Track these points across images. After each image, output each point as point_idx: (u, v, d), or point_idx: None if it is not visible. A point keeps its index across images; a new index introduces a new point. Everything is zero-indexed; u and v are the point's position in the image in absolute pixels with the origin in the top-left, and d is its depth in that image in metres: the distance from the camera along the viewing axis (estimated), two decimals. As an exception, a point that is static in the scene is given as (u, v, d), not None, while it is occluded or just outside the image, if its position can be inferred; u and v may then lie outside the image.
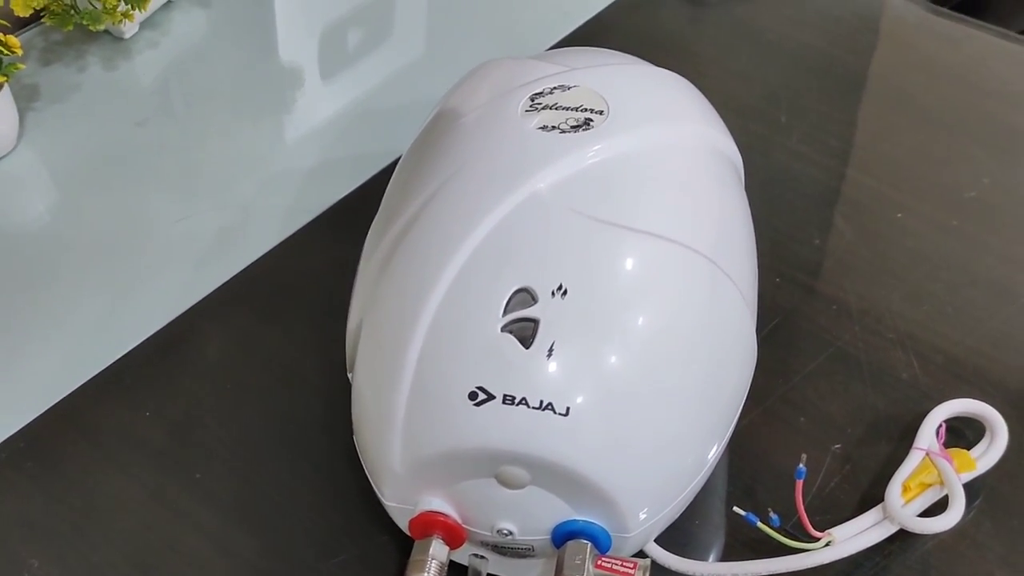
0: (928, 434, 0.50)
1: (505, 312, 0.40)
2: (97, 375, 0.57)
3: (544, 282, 0.40)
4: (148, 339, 0.58)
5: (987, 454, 0.50)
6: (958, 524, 0.47)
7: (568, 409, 0.39)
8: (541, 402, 0.39)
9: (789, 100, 0.71)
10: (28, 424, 0.55)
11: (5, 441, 0.54)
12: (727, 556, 0.49)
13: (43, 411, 0.55)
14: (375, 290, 0.45)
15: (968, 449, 0.51)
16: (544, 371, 0.39)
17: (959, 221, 0.63)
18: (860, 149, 0.68)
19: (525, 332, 0.40)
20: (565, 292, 0.40)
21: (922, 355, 0.56)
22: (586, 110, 0.45)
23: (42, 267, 0.62)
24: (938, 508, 0.48)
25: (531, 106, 0.46)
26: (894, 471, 0.49)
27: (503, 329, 0.40)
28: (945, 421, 0.51)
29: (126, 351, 0.58)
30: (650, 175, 0.44)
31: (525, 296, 0.40)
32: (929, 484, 0.48)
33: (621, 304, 0.41)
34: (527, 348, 0.39)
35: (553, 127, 0.45)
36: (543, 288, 0.40)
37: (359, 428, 0.44)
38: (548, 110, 0.46)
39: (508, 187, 0.42)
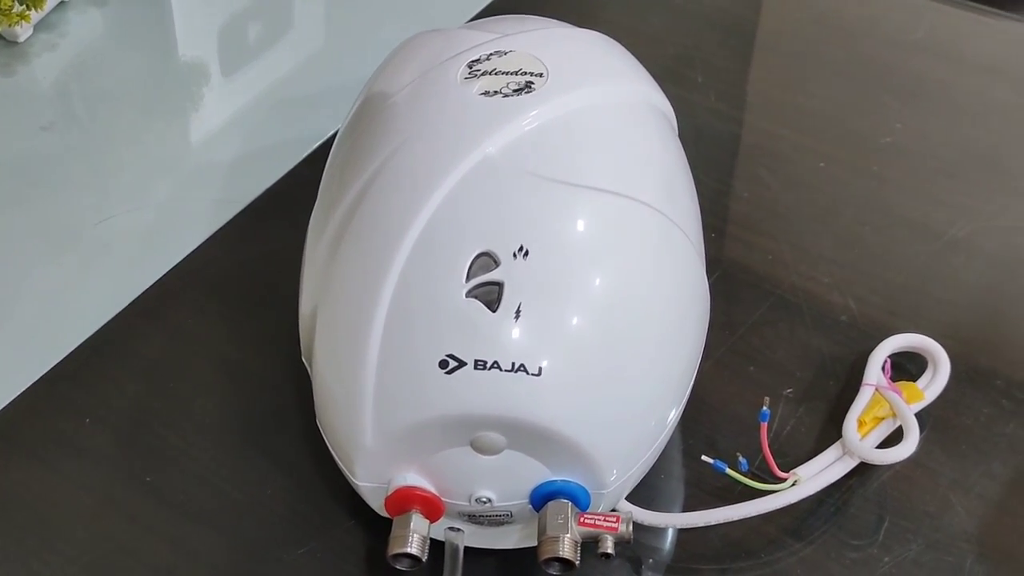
0: (875, 370, 0.51)
1: (468, 278, 0.40)
2: (30, 386, 0.54)
3: (505, 245, 0.40)
4: (81, 344, 0.56)
5: (932, 384, 0.51)
6: (915, 452, 0.48)
7: (540, 369, 0.39)
8: (513, 364, 0.39)
9: (702, 61, 0.73)
10: (-40, 442, 0.52)
11: (-62, 461, 0.51)
12: (694, 507, 0.49)
13: (-26, 427, 0.53)
14: (328, 272, 0.44)
15: (913, 381, 0.52)
16: (513, 333, 0.39)
17: (878, 166, 0.65)
18: (776, 104, 0.70)
19: (490, 296, 0.39)
20: (527, 253, 0.40)
21: (858, 297, 0.58)
22: (525, 73, 0.45)
23: (-43, 281, 0.60)
24: (893, 439, 0.49)
25: (470, 73, 0.46)
26: (846, 409, 0.51)
27: (468, 295, 0.39)
28: (889, 357, 0.53)
29: (59, 359, 0.56)
30: (596, 133, 0.44)
31: (487, 260, 0.40)
32: (882, 417, 0.50)
33: (583, 261, 0.41)
34: (494, 312, 0.39)
35: (495, 92, 0.45)
36: (504, 251, 0.40)
37: (325, 411, 0.43)
38: (488, 76, 0.45)
39: (458, 153, 0.42)
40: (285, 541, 0.48)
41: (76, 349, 0.56)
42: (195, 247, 0.61)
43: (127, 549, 0.48)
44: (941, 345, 0.53)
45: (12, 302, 0.58)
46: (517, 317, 0.39)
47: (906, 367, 0.54)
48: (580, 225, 0.41)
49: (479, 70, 0.46)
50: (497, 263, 0.40)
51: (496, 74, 0.45)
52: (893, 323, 0.56)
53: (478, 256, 0.40)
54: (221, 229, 0.62)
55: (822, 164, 0.65)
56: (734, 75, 0.72)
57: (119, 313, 0.58)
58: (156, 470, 0.51)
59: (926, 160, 0.66)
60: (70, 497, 0.50)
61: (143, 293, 0.59)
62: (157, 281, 0.59)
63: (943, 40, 0.75)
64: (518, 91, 0.44)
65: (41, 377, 0.55)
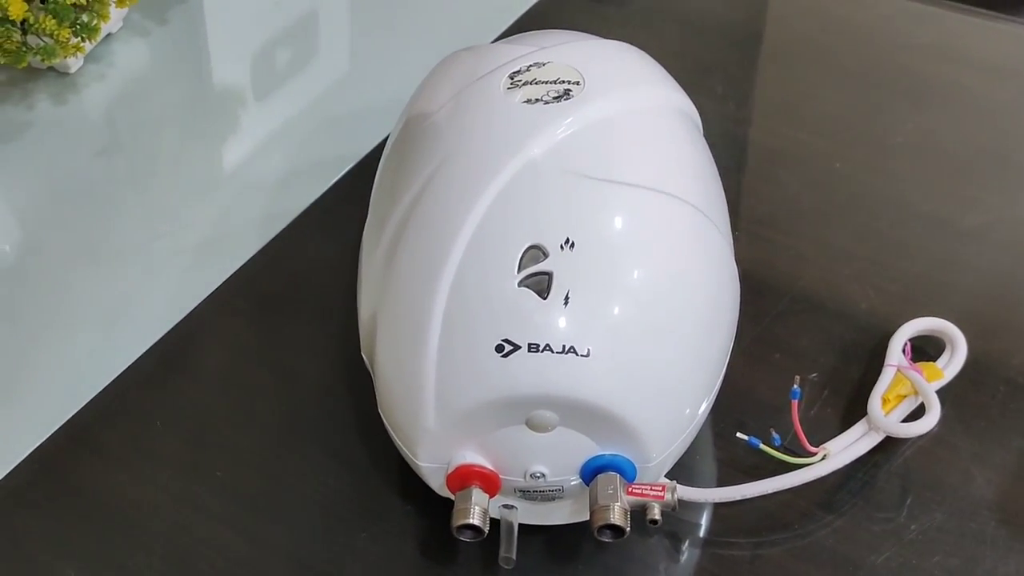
0: (896, 351, 0.55)
1: (519, 269, 0.43)
2: (99, 393, 0.58)
3: (552, 238, 0.43)
4: (145, 354, 0.60)
5: (951, 364, 0.55)
6: (936, 426, 0.51)
7: (588, 351, 0.42)
8: (564, 346, 0.42)
9: (722, 72, 0.76)
10: (38, 446, 0.56)
11: (19, 464, 0.55)
12: (728, 484, 0.52)
13: (51, 433, 0.56)
14: (386, 276, 0.47)
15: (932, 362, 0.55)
16: (563, 318, 0.42)
17: (891, 164, 0.69)
18: (792, 109, 0.73)
19: (541, 285, 0.43)
20: (573, 245, 0.43)
21: (877, 286, 0.61)
22: (564, 82, 0.49)
23: (18, 302, 0.63)
24: (915, 415, 0.52)
25: (512, 84, 0.49)
26: (869, 391, 0.54)
27: (520, 284, 0.43)
28: (909, 340, 0.56)
29: (124, 368, 0.59)
30: (631, 134, 0.48)
31: (536, 252, 0.43)
32: (905, 395, 0.53)
33: (625, 251, 0.44)
34: (544, 299, 0.43)
35: (537, 100, 0.48)
36: (552, 243, 0.43)
37: (387, 401, 0.46)
38: (529, 85, 0.49)
39: (505, 157, 0.46)
40: (347, 528, 0.51)
41: (139, 359, 0.60)
42: (244, 261, 0.65)
43: (203, 541, 0.51)
44: (959, 328, 0.56)
45: (75, 317, 0.62)
46: (566, 304, 0.42)
47: (925, 350, 0.57)
48: (620, 218, 0.45)
49: (520, 80, 0.49)
50: (546, 255, 0.43)
51: (536, 83, 0.49)
52: (911, 309, 0.59)
53: (528, 249, 0.43)
54: (270, 243, 0.66)
55: (838, 164, 0.69)
56: (751, 84, 0.75)
57: (177, 324, 0.61)
58: (225, 468, 0.54)
59: (937, 157, 0.69)
60: (147, 495, 0.53)
61: (198, 306, 0.62)
62: (211, 294, 0.63)
63: (949, 44, 0.78)
64: (558, 98, 0.48)
65: (109, 384, 0.58)
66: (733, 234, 0.64)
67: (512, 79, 0.50)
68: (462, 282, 0.44)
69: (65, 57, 0.71)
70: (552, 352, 0.42)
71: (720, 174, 0.55)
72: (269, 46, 0.82)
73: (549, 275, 0.43)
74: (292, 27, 0.83)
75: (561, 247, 0.43)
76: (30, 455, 0.55)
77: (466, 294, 0.43)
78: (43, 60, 0.69)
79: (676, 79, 0.57)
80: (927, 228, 0.64)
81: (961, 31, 0.80)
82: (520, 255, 0.43)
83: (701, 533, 0.51)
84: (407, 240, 0.46)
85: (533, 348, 0.42)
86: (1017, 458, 0.53)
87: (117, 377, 0.59)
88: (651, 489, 0.44)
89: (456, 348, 0.43)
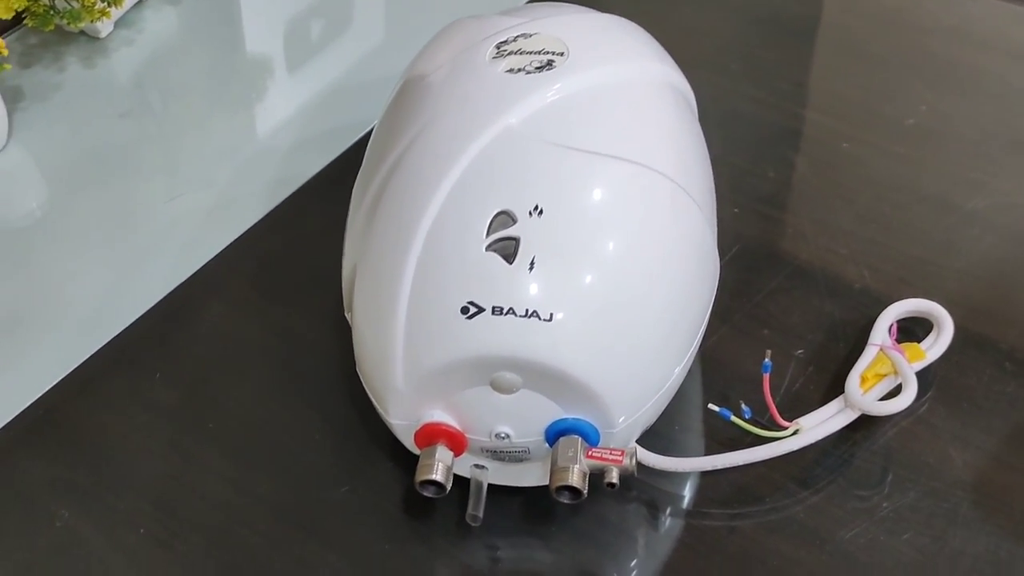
0: (881, 331, 0.54)
1: (488, 233, 0.44)
2: (104, 346, 0.60)
3: (521, 204, 0.44)
4: (150, 310, 0.62)
5: (935, 345, 0.54)
6: (912, 404, 0.51)
7: (551, 315, 0.43)
8: (527, 311, 0.43)
9: (738, 49, 0.76)
10: (44, 394, 0.58)
11: (25, 410, 0.57)
12: (706, 455, 0.53)
13: (56, 381, 0.59)
14: (366, 233, 0.48)
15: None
16: (527, 283, 0.43)
17: (902, 147, 0.68)
18: (807, 89, 0.73)
19: (508, 250, 0.44)
20: (541, 212, 0.44)
21: (873, 267, 0.61)
22: (548, 53, 0.50)
23: (40, 255, 0.66)
24: (895, 395, 0.52)
25: (497, 53, 0.50)
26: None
27: (487, 248, 0.44)
28: (897, 321, 0.56)
29: (130, 323, 0.61)
30: (611, 106, 0.48)
31: (505, 218, 0.44)
32: (884, 375, 0.53)
33: (593, 220, 0.45)
34: (510, 264, 0.43)
35: (519, 69, 0.49)
36: (521, 209, 0.44)
37: (362, 357, 0.48)
38: (513, 55, 0.50)
39: (483, 124, 0.46)
40: (329, 481, 0.53)
41: (146, 313, 0.62)
42: (253, 223, 0.67)
43: (191, 487, 0.53)
44: (949, 311, 0.56)
45: (88, 271, 0.64)
46: (531, 269, 0.43)
47: (915, 332, 0.57)
48: (591, 187, 0.46)
49: (506, 50, 0.50)
50: (514, 220, 0.44)
51: (521, 54, 0.50)
52: (905, 291, 0.59)
53: (497, 215, 0.44)
54: (277, 208, 0.68)
55: (846, 145, 0.68)
56: (767, 63, 0.75)
57: (184, 282, 0.63)
58: (216, 420, 0.56)
59: (949, 141, 0.68)
60: (142, 442, 0.55)
61: (205, 265, 0.64)
62: (218, 254, 0.65)
63: (973, 28, 0.77)
64: (540, 68, 0.49)
65: (115, 337, 0.61)
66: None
67: (498, 48, 0.50)
68: (433, 244, 0.45)
69: (91, 21, 0.73)
70: (515, 316, 0.43)
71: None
72: (295, 17, 0.84)
73: (516, 240, 0.44)
74: (320, 1, 0.85)
75: (529, 213, 0.44)
76: (36, 401, 0.57)
77: (436, 256, 0.45)
78: (68, 23, 0.71)
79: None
80: (930, 211, 0.64)
81: (986, 15, 0.78)
82: (490, 220, 0.44)
83: (675, 502, 0.52)
84: (386, 200, 0.47)
85: (497, 311, 0.43)
86: (997, 441, 0.53)
87: (123, 330, 0.61)
88: (610, 453, 0.45)
89: (424, 309, 0.44)
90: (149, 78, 0.78)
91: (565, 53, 0.50)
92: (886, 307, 0.57)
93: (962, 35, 0.76)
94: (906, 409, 0.52)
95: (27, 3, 0.70)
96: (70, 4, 0.72)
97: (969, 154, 0.67)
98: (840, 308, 0.59)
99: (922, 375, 0.54)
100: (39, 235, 0.67)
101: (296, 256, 0.64)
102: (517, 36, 0.51)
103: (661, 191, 0.47)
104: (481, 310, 0.43)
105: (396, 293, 0.45)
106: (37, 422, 0.57)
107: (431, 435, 0.46)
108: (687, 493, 0.52)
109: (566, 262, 0.44)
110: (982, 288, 0.59)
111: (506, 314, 0.43)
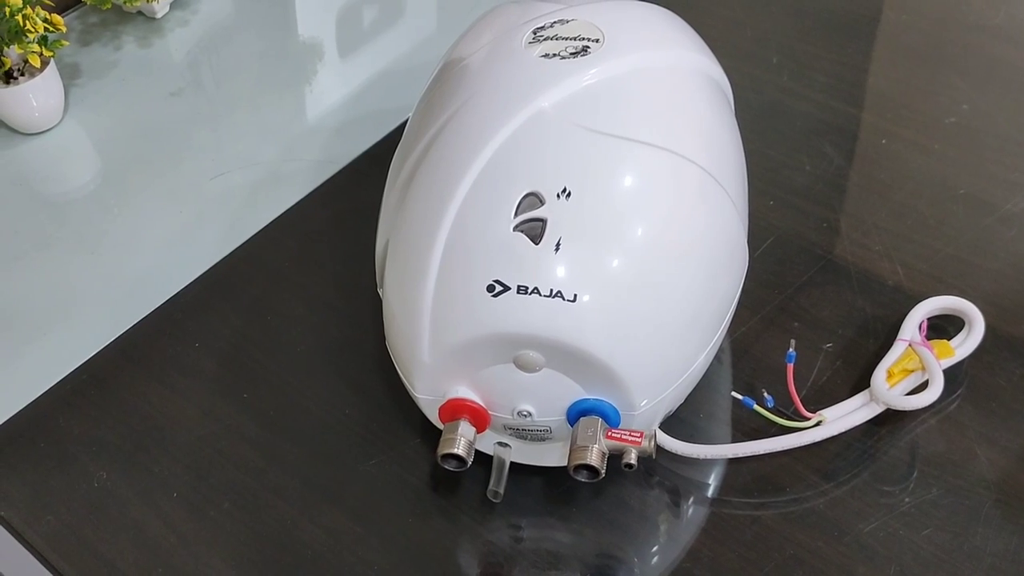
0: (911, 327, 0.54)
1: (516, 214, 0.45)
2: (149, 314, 0.62)
3: (550, 186, 0.45)
4: (194, 281, 0.64)
5: (965, 343, 0.54)
6: (940, 402, 0.51)
7: (575, 296, 0.44)
8: (551, 291, 0.44)
9: (779, 42, 0.76)
10: (89, 359, 0.60)
11: (70, 374, 0.59)
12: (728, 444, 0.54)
13: (102, 347, 0.61)
14: (399, 209, 0.50)
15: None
16: (553, 264, 0.44)
17: (940, 144, 0.68)
18: (846, 83, 0.73)
19: (535, 231, 0.45)
20: (569, 194, 0.45)
21: (906, 263, 0.61)
22: (583, 39, 0.50)
23: (91, 226, 0.68)
24: (920, 392, 0.52)
25: (533, 39, 0.51)
26: (881, 364, 0.54)
27: (515, 229, 0.45)
28: (928, 318, 0.56)
29: (175, 293, 0.63)
30: (643, 92, 0.49)
31: (533, 200, 0.45)
32: (911, 370, 0.53)
33: (620, 204, 0.46)
34: (537, 244, 0.44)
35: (554, 55, 0.50)
36: (549, 192, 0.45)
37: (391, 332, 0.49)
38: (549, 41, 0.50)
39: (516, 107, 0.47)
40: (358, 454, 0.54)
41: (190, 284, 0.64)
42: (297, 201, 0.68)
43: (224, 453, 0.55)
44: (981, 310, 0.56)
45: (137, 244, 0.66)
46: (557, 250, 0.44)
47: (946, 329, 0.57)
48: (619, 172, 0.46)
49: (542, 36, 0.51)
50: (542, 202, 0.45)
51: (557, 39, 0.50)
52: (938, 288, 0.59)
53: (526, 196, 0.45)
54: (321, 186, 0.69)
55: (884, 141, 0.68)
56: (808, 57, 0.75)
57: (227, 256, 0.65)
58: (251, 389, 0.58)
59: (989, 140, 0.68)
60: (179, 408, 0.57)
61: (248, 240, 0.66)
62: (261, 230, 0.66)
63: (1021, 26, 0.76)
64: (575, 54, 0.49)
65: (159, 307, 0.62)
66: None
67: (535, 34, 0.51)
68: (462, 223, 0.46)
69: (147, 2, 0.75)
70: (540, 295, 0.44)
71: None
72: (346, 2, 0.85)
73: (543, 221, 0.44)
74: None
75: (558, 196, 0.45)
76: (80, 366, 0.60)
77: (465, 235, 0.45)
78: (125, 4, 0.73)
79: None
80: (967, 209, 0.64)
81: (1037, 13, 0.78)
82: (518, 201, 0.45)
83: (697, 490, 0.52)
84: (419, 178, 0.48)
85: (522, 290, 0.44)
86: (1023, 441, 0.52)
87: (167, 300, 0.63)
88: (629, 435, 0.45)
89: (452, 286, 0.45)
90: (201, 58, 0.80)
91: (600, 40, 0.50)
92: (917, 304, 0.57)
93: (1008, 34, 0.76)
94: (933, 406, 0.52)
95: (86, -19, 0.72)
96: (127, -17, 0.74)
97: (1010, 154, 0.67)
98: (871, 304, 0.59)
99: (951, 373, 0.54)
100: (90, 207, 0.69)
101: (337, 233, 0.66)
102: (554, 22, 0.52)
103: (690, 178, 0.48)
104: (507, 289, 0.44)
105: (425, 269, 0.46)
106: (81, 385, 0.59)
107: (455, 410, 0.47)
108: (710, 481, 0.52)
109: (592, 245, 0.44)
110: (1016, 289, 0.59)
111: (531, 294, 0.44)
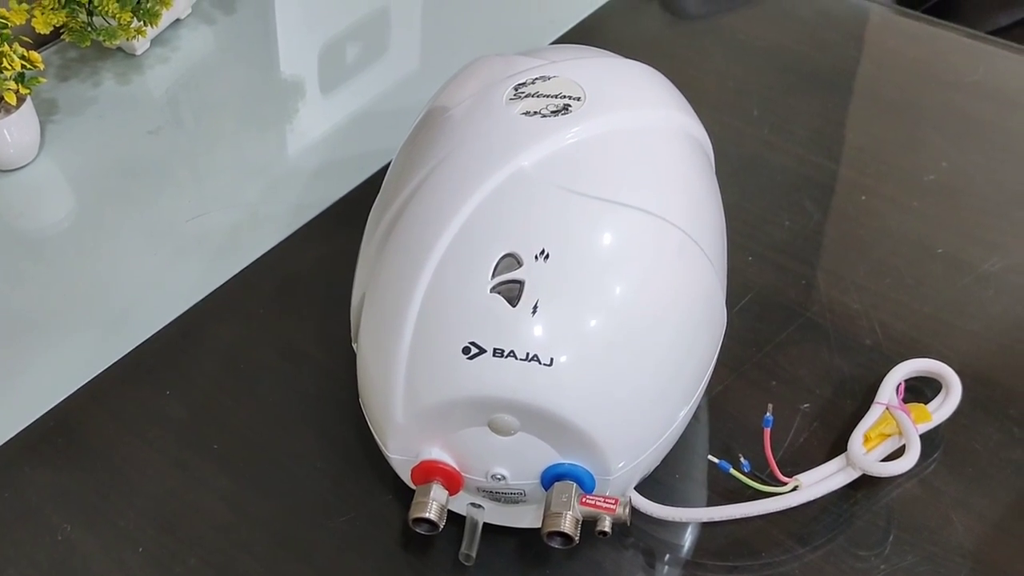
0: (888, 390, 0.54)
1: (493, 275, 0.44)
2: (120, 360, 0.61)
3: (528, 248, 0.45)
4: (167, 326, 0.63)
5: (942, 407, 0.54)
6: (914, 467, 0.51)
7: (552, 360, 0.43)
8: (527, 354, 0.43)
9: (760, 95, 0.76)
10: (56, 405, 0.59)
11: (36, 421, 0.58)
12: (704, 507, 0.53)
13: (70, 393, 0.60)
14: (376, 264, 0.49)
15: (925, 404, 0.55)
16: (529, 326, 0.44)
17: (919, 202, 0.68)
18: (826, 138, 0.73)
19: (512, 293, 0.44)
20: (548, 256, 0.44)
21: (884, 323, 0.61)
22: (565, 97, 0.50)
23: (65, 265, 0.67)
24: (897, 457, 0.52)
25: (515, 95, 0.51)
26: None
27: (492, 290, 0.44)
28: (905, 380, 0.56)
29: (146, 338, 0.62)
30: (624, 153, 0.49)
31: (511, 261, 0.45)
32: (888, 435, 0.52)
33: (598, 267, 0.45)
34: (514, 307, 0.44)
35: (535, 112, 0.49)
36: (527, 253, 0.45)
37: (364, 389, 0.48)
38: (530, 98, 0.50)
39: (495, 165, 0.47)
40: (330, 510, 0.53)
41: (162, 329, 0.63)
42: (274, 245, 0.67)
43: (193, 506, 0.54)
44: (958, 373, 0.56)
45: (111, 284, 0.65)
46: (534, 313, 0.44)
47: (923, 392, 0.57)
48: (598, 234, 0.46)
49: (524, 92, 0.51)
50: (520, 264, 0.45)
51: (538, 96, 0.50)
52: (915, 350, 0.59)
53: (504, 257, 0.45)
54: (299, 230, 0.68)
55: (864, 197, 0.68)
56: (789, 110, 0.75)
57: (202, 300, 0.64)
58: (222, 440, 0.57)
59: (968, 198, 0.68)
60: (148, 458, 0.56)
61: (224, 284, 0.65)
62: (237, 274, 0.66)
63: (999, 84, 0.77)
64: (556, 112, 0.49)
65: (131, 352, 0.61)
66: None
67: (516, 90, 0.51)
68: (439, 283, 0.45)
69: (127, 39, 0.74)
70: (516, 359, 0.43)
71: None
72: (328, 43, 0.85)
73: (521, 283, 0.44)
74: (354, 25, 0.86)
75: (536, 257, 0.44)
76: (47, 412, 0.58)
77: (441, 295, 0.45)
78: (105, 41, 0.72)
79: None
80: (945, 269, 0.64)
81: (1015, 71, 0.78)
82: (496, 262, 0.45)
83: (672, 552, 0.52)
84: (397, 233, 0.48)
85: (498, 353, 0.43)
86: (1000, 509, 0.52)
87: (139, 345, 0.62)
88: (604, 501, 0.45)
89: (427, 346, 0.45)
90: (181, 96, 0.80)
91: (582, 98, 0.50)
92: (895, 365, 0.56)
93: (987, 91, 0.76)
94: (909, 471, 0.52)
95: (65, 19, 0.72)
96: (107, 21, 0.74)
97: (988, 214, 0.67)
98: (849, 363, 0.59)
99: (928, 437, 0.54)
100: (62, 246, 0.68)
101: (314, 280, 0.65)
102: (536, 79, 0.51)
103: (669, 241, 0.47)
104: (482, 351, 0.43)
105: (400, 328, 0.45)
106: (48, 432, 0.58)
107: (428, 472, 0.46)
108: (684, 543, 0.52)
109: (569, 308, 0.44)
110: (993, 351, 0.59)
111: (507, 356, 0.43)
